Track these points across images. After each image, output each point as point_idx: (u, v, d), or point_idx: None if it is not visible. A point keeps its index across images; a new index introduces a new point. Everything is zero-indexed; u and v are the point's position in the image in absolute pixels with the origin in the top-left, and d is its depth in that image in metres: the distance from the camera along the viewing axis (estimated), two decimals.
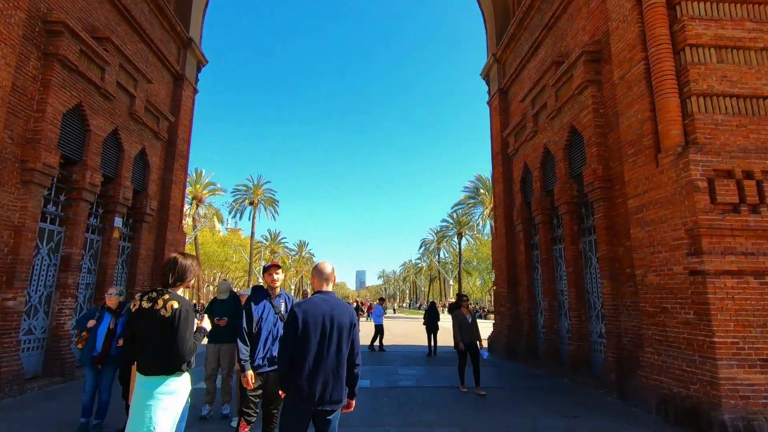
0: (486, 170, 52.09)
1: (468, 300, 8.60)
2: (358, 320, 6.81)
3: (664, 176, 6.44)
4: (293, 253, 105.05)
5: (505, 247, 13.30)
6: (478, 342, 8.06)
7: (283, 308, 3.89)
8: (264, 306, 3.83)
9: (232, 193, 61.86)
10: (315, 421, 2.90)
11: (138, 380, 2.69)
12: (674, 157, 6.25)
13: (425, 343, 14.22)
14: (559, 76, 9.77)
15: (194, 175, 45.65)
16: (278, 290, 3.97)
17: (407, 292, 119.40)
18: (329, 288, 3.15)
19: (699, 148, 6.10)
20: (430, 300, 15.65)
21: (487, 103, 15.43)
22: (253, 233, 62.99)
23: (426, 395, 7.49)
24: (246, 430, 3.57)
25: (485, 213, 46.47)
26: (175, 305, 2.68)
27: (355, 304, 23.72)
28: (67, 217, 8.89)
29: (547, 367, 10.03)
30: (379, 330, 14.60)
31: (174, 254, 2.91)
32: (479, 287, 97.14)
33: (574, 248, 9.47)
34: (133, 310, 2.77)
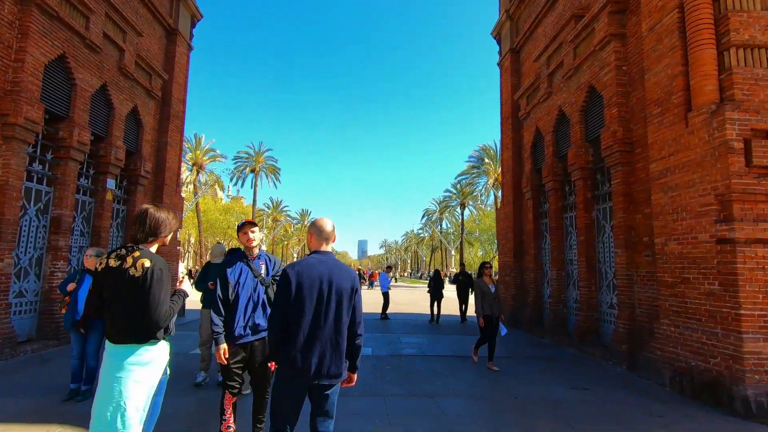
0: (492, 140, 50.93)
1: (491, 267, 7.88)
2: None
3: (694, 137, 5.92)
4: (296, 221, 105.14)
5: (512, 215, 12.87)
6: (500, 315, 7.37)
7: (263, 271, 3.47)
8: (240, 270, 3.38)
9: (233, 160, 61.23)
10: (311, 396, 2.56)
11: (107, 349, 2.34)
12: (707, 116, 5.71)
13: (427, 311, 14.11)
14: (579, 31, 9.03)
15: (194, 140, 44.89)
16: (256, 251, 3.53)
17: (409, 261, 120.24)
18: (328, 248, 2.75)
19: (736, 105, 5.55)
20: (435, 269, 15.15)
21: (498, 64, 14.61)
22: (255, 201, 62.69)
23: (429, 364, 7.27)
24: (231, 401, 3.25)
25: (489, 183, 45.84)
26: (147, 263, 2.28)
27: (357, 272, 23.53)
28: (56, 177, 8.46)
29: (553, 336, 9.82)
30: (386, 298, 14.42)
31: (145, 205, 2.50)
32: (480, 258, 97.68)
33: (586, 216, 9.03)
34: (99, 269, 2.38)
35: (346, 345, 2.58)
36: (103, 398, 2.21)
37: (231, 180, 62.03)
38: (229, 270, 3.34)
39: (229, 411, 3.23)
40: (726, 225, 5.39)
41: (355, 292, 2.63)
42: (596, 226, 9.03)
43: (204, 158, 44.90)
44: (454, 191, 64.73)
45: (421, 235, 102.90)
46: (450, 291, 20.00)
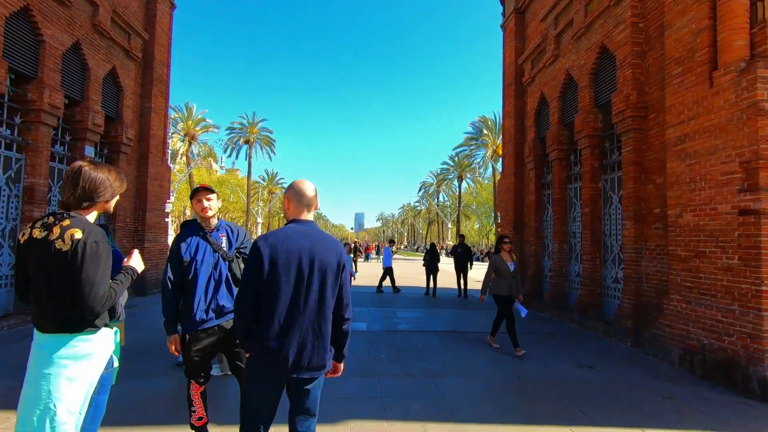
0: (492, 111, 49.76)
1: (510, 242, 6.85)
2: (354, 261, 5.98)
3: (719, 98, 5.40)
4: None
5: (513, 186, 12.40)
6: (518, 296, 6.62)
7: (224, 244, 2.94)
8: (197, 244, 2.85)
9: (226, 131, 59.94)
10: (289, 391, 2.15)
11: (34, 339, 1.91)
12: (736, 74, 5.17)
13: (424, 284, 13.87)
14: None
15: (185, 110, 43.61)
16: (214, 221, 2.99)
17: (405, 234, 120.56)
18: (310, 217, 2.29)
19: None
20: (431, 242, 14.72)
21: (501, 26, 13.79)
22: (249, 173, 61.74)
23: (427, 340, 6.97)
24: (199, 391, 2.85)
25: (487, 155, 45.10)
26: (78, 235, 1.81)
27: (353, 245, 23.09)
28: (26, 143, 7.87)
29: (552, 310, 9.56)
30: (389, 272, 14.10)
31: (79, 162, 2.00)
32: (477, 231, 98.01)
33: (593, 187, 8.58)
34: (22, 242, 1.92)
35: (331, 331, 2.17)
36: (28, 399, 1.79)
37: (225, 151, 60.85)
38: (184, 247, 2.84)
39: (197, 401, 2.84)
40: (751, 195, 4.95)
41: (341, 269, 2.19)
42: (603, 198, 8.60)
43: (196, 129, 43.76)
44: (452, 164, 63.99)
45: (418, 208, 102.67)
46: (446, 264, 19.68)
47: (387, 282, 14.00)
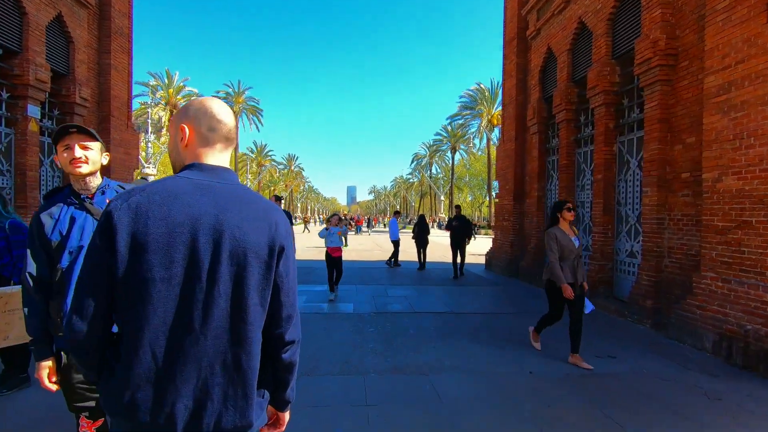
0: (489, 78, 47.74)
1: (573, 211, 4.78)
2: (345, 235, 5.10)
3: None
4: (281, 167, 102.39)
5: (513, 153, 11.42)
6: (584, 284, 4.73)
7: None
8: (71, 217, 1.84)
9: None
10: None
11: None
12: None
13: (414, 259, 13.08)
14: None
15: (165, 77, 41.37)
16: (95, 181, 1.96)
17: (398, 207, 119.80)
18: (223, 159, 1.31)
19: None
20: (419, 213, 13.77)
21: None
22: (236, 145, 59.80)
23: (420, 324, 6.13)
24: (94, 427, 1.94)
25: (482, 125, 43.79)
26: None
27: (342, 216, 22.03)
28: None
29: None
30: (396, 247, 13.32)
31: None
32: (470, 203, 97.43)
33: (606, 150, 7.64)
34: None
35: (259, 364, 1.22)
36: None
37: None
38: (46, 221, 1.82)
39: None
40: None
41: (280, 256, 1.23)
42: (618, 162, 7.67)
43: (178, 97, 41.64)
44: (445, 134, 62.64)
45: (411, 180, 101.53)
46: (436, 237, 18.91)
47: (378, 255, 13.13)
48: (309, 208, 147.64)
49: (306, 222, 46.30)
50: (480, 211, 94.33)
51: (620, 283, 7.43)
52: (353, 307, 7.15)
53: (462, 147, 62.29)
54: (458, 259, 10.94)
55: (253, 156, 76.14)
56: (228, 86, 57.55)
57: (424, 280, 10.58)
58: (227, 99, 57.25)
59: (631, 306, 6.50)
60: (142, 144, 34.55)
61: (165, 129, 41.93)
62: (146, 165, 33.98)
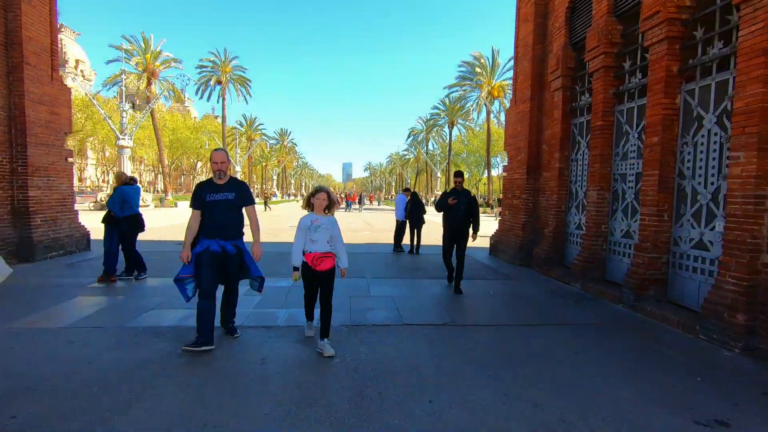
0: (490, 46, 44.62)
1: None
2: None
3: None
4: (273, 141, 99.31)
5: (528, 116, 9.36)
6: None
7: None
8: None
9: (196, 69, 54.49)
10: None
11: None
12: None
13: (408, 241, 11.18)
14: None
15: (142, 43, 38.24)
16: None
17: (393, 184, 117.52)
18: None
19: None
20: (412, 190, 11.69)
21: None
22: (224, 116, 57.11)
23: (411, 351, 4.20)
24: None
25: (482, 96, 41.27)
26: None
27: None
28: None
29: (584, 283, 6.94)
30: (401, 228, 11.42)
31: None
32: (467, 180, 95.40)
33: (667, 103, 5.61)
34: None
35: None
36: None
37: (197, 94, 55.65)
38: None
39: None
40: None
41: None
42: (681, 119, 5.66)
43: (157, 64, 38.65)
44: (442, 108, 59.98)
45: (407, 156, 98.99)
46: (434, 216, 17.24)
47: (367, 237, 11.23)
48: (303, 184, 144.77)
49: (267, 198, 36.55)
50: (477, 188, 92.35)
51: (681, 286, 5.54)
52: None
53: (460, 122, 59.78)
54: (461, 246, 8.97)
55: (243, 130, 73.09)
56: (214, 54, 54.24)
57: (418, 270, 8.68)
58: (213, 68, 54.07)
59: (708, 319, 4.62)
60: (118, 114, 31.89)
61: (145, 99, 39.24)
62: (121, 137, 31.54)
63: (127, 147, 31.98)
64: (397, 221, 11.56)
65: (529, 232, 9.39)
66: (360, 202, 41.45)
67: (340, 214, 25.91)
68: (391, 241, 11.96)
